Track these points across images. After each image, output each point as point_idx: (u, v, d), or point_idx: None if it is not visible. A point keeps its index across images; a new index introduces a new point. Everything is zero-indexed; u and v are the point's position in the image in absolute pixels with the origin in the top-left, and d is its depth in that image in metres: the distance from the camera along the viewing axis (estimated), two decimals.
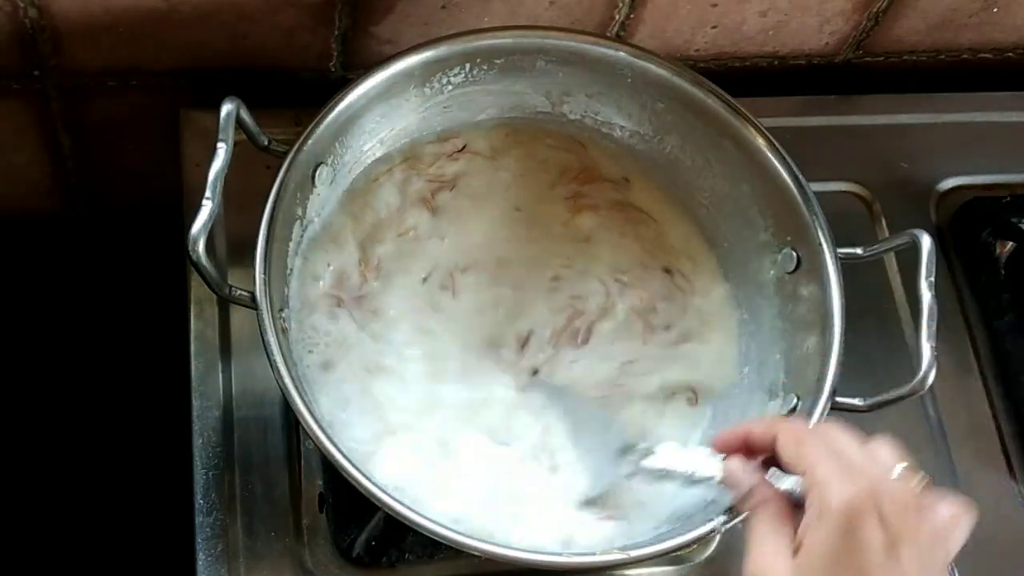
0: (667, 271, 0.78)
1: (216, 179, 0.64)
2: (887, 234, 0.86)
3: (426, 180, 0.78)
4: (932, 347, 0.67)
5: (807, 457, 0.56)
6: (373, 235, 0.76)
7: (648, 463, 0.66)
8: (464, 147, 0.79)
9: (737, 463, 0.61)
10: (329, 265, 0.74)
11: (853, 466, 0.55)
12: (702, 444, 0.71)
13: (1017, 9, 0.89)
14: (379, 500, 0.61)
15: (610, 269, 0.78)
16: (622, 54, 0.74)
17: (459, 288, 0.76)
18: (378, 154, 0.76)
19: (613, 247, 0.79)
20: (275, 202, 0.66)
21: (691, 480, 0.64)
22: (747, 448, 0.62)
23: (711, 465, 0.63)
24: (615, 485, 0.70)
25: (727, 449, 0.62)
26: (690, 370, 0.76)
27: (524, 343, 0.75)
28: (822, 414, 0.67)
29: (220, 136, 0.65)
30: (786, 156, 0.72)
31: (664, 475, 0.65)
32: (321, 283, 0.74)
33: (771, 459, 0.60)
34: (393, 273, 0.75)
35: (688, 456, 0.64)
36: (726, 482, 0.62)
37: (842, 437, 0.57)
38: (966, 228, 0.88)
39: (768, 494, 0.59)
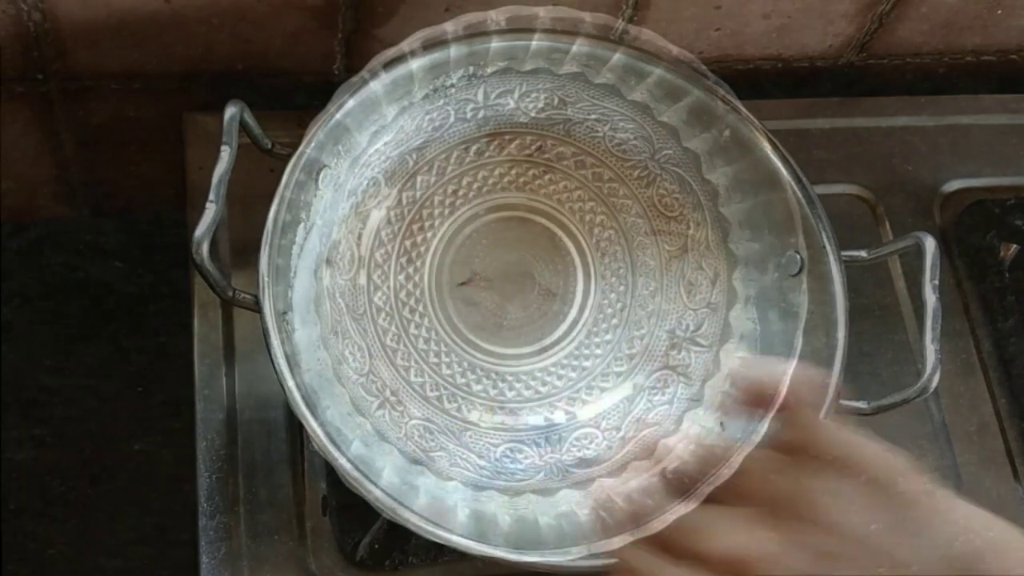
0: None
1: (220, 182, 0.64)
2: (891, 236, 0.85)
3: None
4: (936, 349, 0.67)
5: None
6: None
7: None
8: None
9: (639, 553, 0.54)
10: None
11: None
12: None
13: (1022, 11, 0.89)
14: (383, 505, 0.61)
15: None
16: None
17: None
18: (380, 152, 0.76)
19: None
20: (279, 205, 0.66)
21: None
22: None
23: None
24: None
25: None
26: None
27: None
28: (826, 417, 0.67)
29: (224, 139, 0.65)
30: (789, 159, 0.72)
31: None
32: None
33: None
34: None
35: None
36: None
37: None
38: (970, 230, 0.87)
39: None
